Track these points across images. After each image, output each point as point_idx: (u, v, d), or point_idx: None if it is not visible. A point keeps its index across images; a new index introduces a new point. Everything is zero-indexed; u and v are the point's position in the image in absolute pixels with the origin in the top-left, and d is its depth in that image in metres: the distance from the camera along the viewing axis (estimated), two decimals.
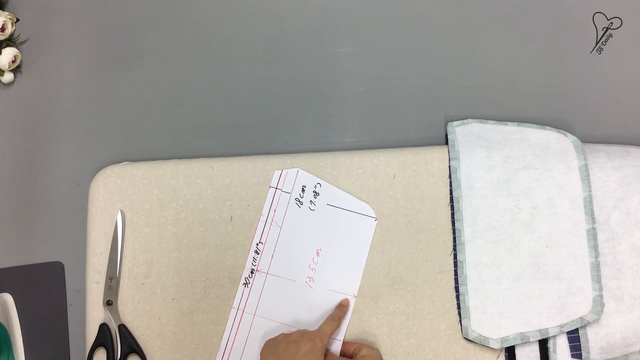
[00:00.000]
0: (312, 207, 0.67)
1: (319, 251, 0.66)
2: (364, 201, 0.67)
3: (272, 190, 0.67)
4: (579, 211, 0.64)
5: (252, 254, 0.66)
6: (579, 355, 0.62)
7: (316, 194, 0.67)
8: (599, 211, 0.65)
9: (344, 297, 0.65)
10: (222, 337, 0.65)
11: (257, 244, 0.66)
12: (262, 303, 0.65)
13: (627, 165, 0.65)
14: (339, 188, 0.67)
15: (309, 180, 0.67)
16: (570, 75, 0.71)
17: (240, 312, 0.65)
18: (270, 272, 0.66)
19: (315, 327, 0.63)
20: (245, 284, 0.65)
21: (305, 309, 0.65)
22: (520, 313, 0.63)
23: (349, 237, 0.66)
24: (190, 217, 0.67)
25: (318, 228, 0.66)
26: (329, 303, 0.65)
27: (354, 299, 0.65)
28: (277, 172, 0.67)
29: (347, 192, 0.67)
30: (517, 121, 0.69)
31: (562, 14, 0.72)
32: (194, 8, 0.73)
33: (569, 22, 0.72)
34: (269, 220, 0.67)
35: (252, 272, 0.66)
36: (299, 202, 0.67)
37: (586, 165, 0.65)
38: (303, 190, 0.67)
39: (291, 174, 0.67)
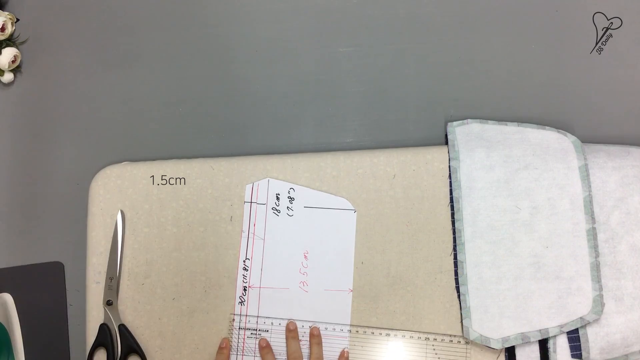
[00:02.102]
0: (290, 212, 0.67)
1: (306, 254, 0.66)
2: (342, 197, 0.67)
3: (247, 205, 0.67)
4: (579, 211, 0.64)
5: (240, 271, 0.66)
6: (579, 355, 0.62)
7: (291, 199, 0.67)
8: (599, 211, 0.65)
9: (340, 293, 0.65)
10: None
11: (244, 261, 0.66)
12: (261, 318, 0.65)
13: (627, 165, 0.65)
14: (311, 188, 0.67)
15: (282, 187, 0.67)
16: (570, 75, 0.71)
17: (242, 330, 0.65)
18: (263, 285, 0.65)
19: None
20: (241, 303, 0.65)
21: (305, 314, 0.65)
22: (521, 313, 0.63)
23: (332, 234, 0.66)
24: (190, 217, 0.67)
25: (300, 232, 0.66)
26: (327, 303, 0.65)
27: (350, 293, 0.65)
28: (249, 186, 0.67)
29: (321, 191, 0.67)
30: (517, 121, 0.69)
31: (562, 14, 0.72)
32: (194, 8, 0.73)
33: (569, 22, 0.72)
34: (251, 235, 0.66)
35: (244, 290, 0.66)
36: (276, 210, 0.67)
37: (586, 165, 0.65)
38: (277, 198, 0.67)
39: (262, 184, 0.67)
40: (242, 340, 0.65)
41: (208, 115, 0.71)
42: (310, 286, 0.65)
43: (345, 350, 0.64)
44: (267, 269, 0.66)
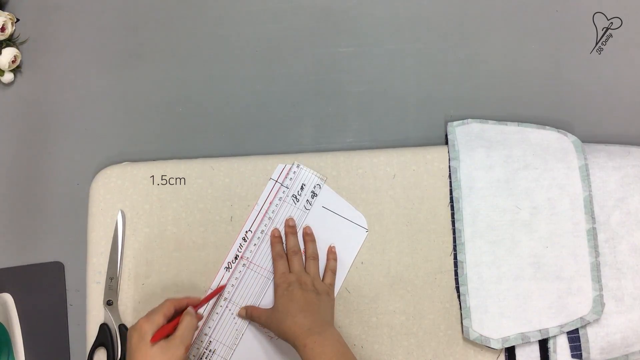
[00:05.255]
0: (308, 206, 0.67)
1: (304, 252, 0.66)
2: (359, 211, 0.67)
3: (271, 182, 0.67)
4: (579, 211, 0.64)
5: (239, 240, 0.66)
6: (579, 356, 0.62)
7: (314, 194, 0.67)
8: (599, 211, 0.65)
9: None
10: None
11: (246, 232, 0.66)
12: (238, 290, 0.65)
13: (627, 165, 0.65)
14: (338, 194, 0.67)
15: (310, 180, 0.67)
16: (570, 75, 0.71)
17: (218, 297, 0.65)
18: (254, 261, 0.66)
19: None
20: (227, 268, 0.65)
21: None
22: (521, 313, 0.63)
23: (337, 243, 0.66)
24: (190, 217, 0.67)
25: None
26: None
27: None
28: (281, 166, 0.67)
29: (345, 200, 0.67)
30: (517, 121, 0.69)
31: (562, 14, 0.72)
32: (193, 8, 0.73)
33: (569, 22, 0.72)
34: (262, 211, 0.67)
35: (235, 258, 0.66)
36: (296, 199, 0.67)
37: (586, 165, 0.65)
38: (302, 188, 0.67)
39: (293, 169, 0.67)
40: (213, 304, 0.65)
41: (208, 115, 0.71)
42: None
43: (332, 245, 0.65)
44: (263, 249, 0.66)
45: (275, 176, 0.67)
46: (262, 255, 0.66)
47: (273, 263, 0.65)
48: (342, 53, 0.72)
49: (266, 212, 0.67)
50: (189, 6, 0.73)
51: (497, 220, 0.65)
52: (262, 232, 0.66)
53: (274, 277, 0.64)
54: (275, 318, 0.60)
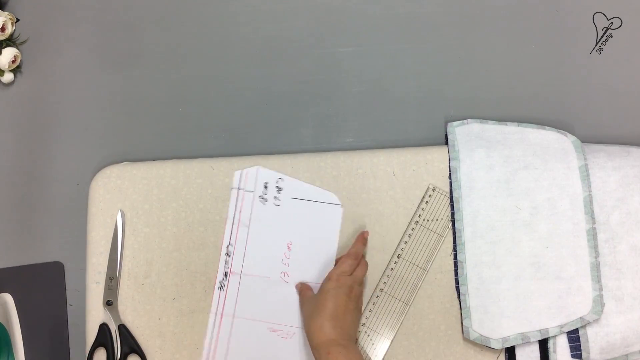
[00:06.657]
0: (277, 202, 0.67)
1: (290, 245, 0.66)
2: (328, 190, 0.66)
3: (234, 192, 0.67)
4: (579, 211, 0.64)
5: (223, 257, 0.66)
6: (579, 356, 0.62)
7: (279, 189, 0.67)
8: (599, 211, 0.65)
9: (319, 287, 0.65)
10: (203, 343, 0.64)
11: (227, 247, 0.66)
12: (240, 304, 0.65)
13: (627, 165, 0.65)
14: (299, 180, 0.67)
15: (270, 176, 0.67)
16: (570, 75, 0.71)
17: (219, 316, 0.65)
18: (244, 272, 0.65)
19: (293, 322, 0.64)
20: (221, 288, 0.65)
21: (283, 304, 0.65)
22: (521, 313, 0.63)
23: (317, 227, 0.66)
24: (190, 217, 0.67)
25: (286, 222, 0.66)
26: None
27: None
28: (238, 173, 0.67)
29: (309, 183, 0.67)
30: (517, 121, 0.69)
31: (562, 14, 0.72)
32: (193, 8, 0.73)
33: (569, 22, 0.72)
34: (236, 222, 0.66)
35: (225, 275, 0.66)
36: (263, 199, 0.67)
37: (586, 165, 0.65)
38: (265, 187, 0.67)
39: (251, 172, 0.67)
40: (219, 323, 0.64)
41: (208, 115, 0.71)
42: (291, 277, 0.65)
43: (365, 231, 0.65)
44: (250, 257, 0.66)
45: (235, 185, 0.67)
46: (251, 264, 0.65)
47: (342, 257, 0.63)
48: (342, 53, 0.72)
49: (239, 221, 0.66)
50: (189, 6, 0.73)
51: (497, 220, 0.65)
52: (244, 242, 0.66)
53: (332, 269, 0.62)
54: (308, 309, 0.60)
